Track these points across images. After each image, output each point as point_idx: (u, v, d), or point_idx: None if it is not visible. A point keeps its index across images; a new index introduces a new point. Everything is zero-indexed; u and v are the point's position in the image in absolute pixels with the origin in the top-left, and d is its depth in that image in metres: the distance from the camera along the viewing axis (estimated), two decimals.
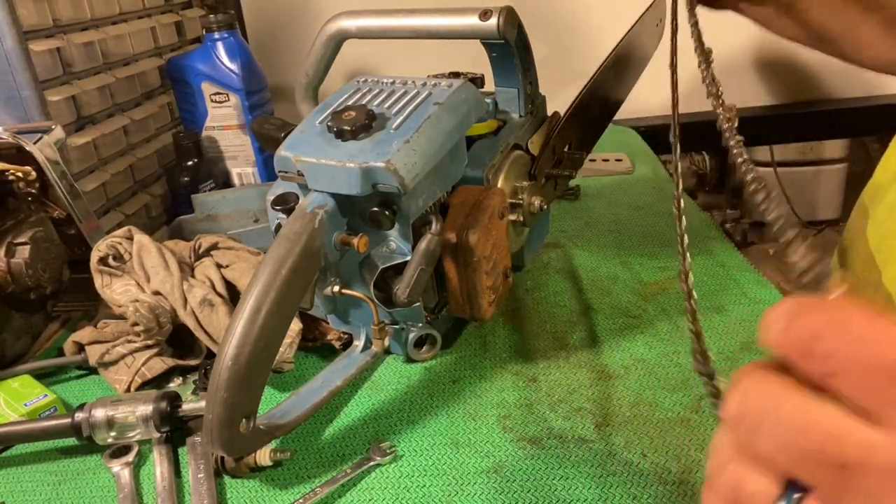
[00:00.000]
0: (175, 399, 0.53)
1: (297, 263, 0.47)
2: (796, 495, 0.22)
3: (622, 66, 0.75)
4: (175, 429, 0.53)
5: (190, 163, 0.89)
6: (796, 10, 0.63)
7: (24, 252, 0.63)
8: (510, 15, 0.59)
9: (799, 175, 2.49)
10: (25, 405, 0.56)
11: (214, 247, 0.68)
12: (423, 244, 0.53)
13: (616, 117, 0.79)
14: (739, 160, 0.30)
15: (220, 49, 0.91)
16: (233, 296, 0.62)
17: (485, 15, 0.59)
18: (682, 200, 0.31)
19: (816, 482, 0.21)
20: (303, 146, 0.53)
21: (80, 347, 0.62)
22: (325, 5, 1.15)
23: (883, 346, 0.20)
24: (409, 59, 1.15)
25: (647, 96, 1.05)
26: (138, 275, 0.63)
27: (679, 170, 0.33)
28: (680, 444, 0.49)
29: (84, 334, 0.62)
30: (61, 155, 0.67)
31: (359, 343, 0.60)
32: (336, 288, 0.55)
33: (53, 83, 0.74)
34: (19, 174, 0.64)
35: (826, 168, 2.49)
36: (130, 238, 0.65)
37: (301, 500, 0.47)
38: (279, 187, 0.56)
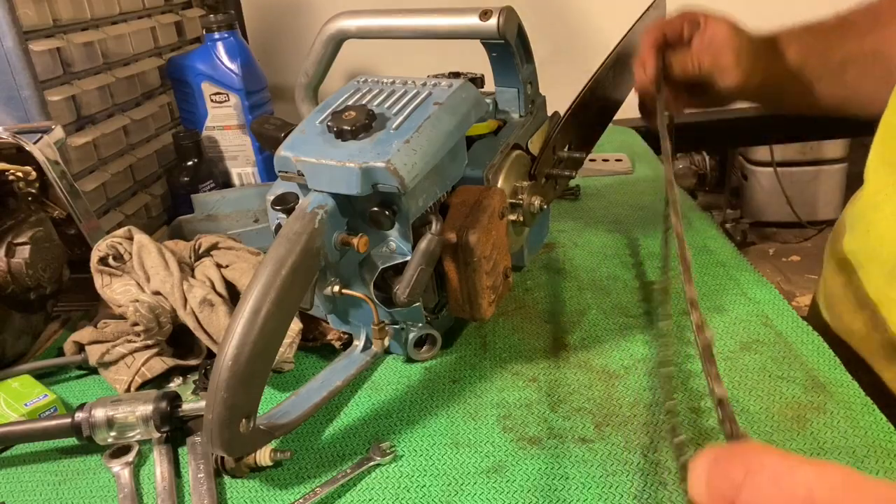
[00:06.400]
0: (175, 399, 0.53)
1: (297, 263, 0.47)
2: None
3: (622, 66, 0.75)
4: (175, 429, 0.53)
5: (190, 163, 0.89)
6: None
7: (24, 252, 0.63)
8: (510, 15, 0.59)
9: (799, 175, 2.50)
10: (25, 405, 0.56)
11: (214, 247, 0.68)
12: (423, 244, 0.53)
13: (616, 117, 0.79)
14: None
15: (220, 49, 0.91)
16: (233, 296, 0.62)
17: (485, 15, 0.59)
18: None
19: None
20: (303, 146, 0.53)
21: (80, 347, 0.62)
22: (325, 5, 1.15)
23: (795, 492, 0.24)
24: (409, 59, 1.15)
25: None
26: (138, 275, 0.63)
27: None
28: (680, 444, 0.49)
29: (84, 334, 0.62)
30: (61, 155, 0.67)
31: (359, 343, 0.60)
32: (336, 288, 0.55)
33: (53, 83, 0.74)
34: (19, 174, 0.64)
35: (826, 168, 2.49)
36: (130, 238, 0.65)
37: (301, 500, 0.47)
38: (279, 187, 0.56)
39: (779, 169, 2.46)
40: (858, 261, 0.62)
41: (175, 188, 0.91)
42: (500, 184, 0.62)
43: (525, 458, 0.49)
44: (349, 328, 0.61)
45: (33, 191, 0.66)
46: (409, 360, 0.61)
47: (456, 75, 0.67)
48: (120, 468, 0.51)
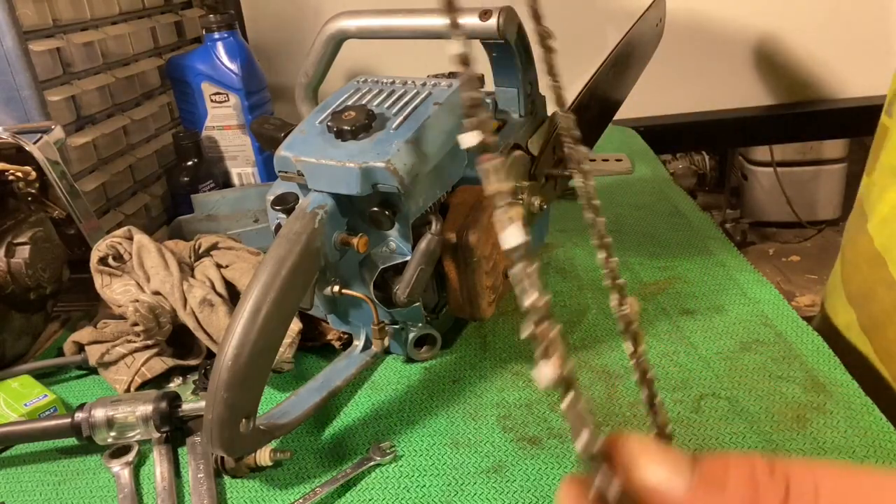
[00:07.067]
0: (175, 399, 0.53)
1: (297, 263, 0.47)
2: None
3: (622, 65, 0.75)
4: (175, 429, 0.53)
5: (190, 163, 0.89)
6: None
7: (24, 252, 0.63)
8: (510, 15, 0.59)
9: (799, 175, 2.49)
10: (25, 405, 0.56)
11: (214, 247, 0.68)
12: (423, 244, 0.53)
13: (616, 117, 0.79)
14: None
15: (220, 49, 0.91)
16: (233, 296, 0.62)
17: (485, 15, 0.59)
18: None
19: None
20: (303, 146, 0.53)
21: (80, 347, 0.62)
22: (325, 5, 1.16)
23: None
24: (409, 59, 1.14)
25: (647, 96, 1.05)
26: (138, 275, 0.63)
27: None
28: (679, 444, 0.49)
29: (84, 334, 0.62)
30: (61, 155, 0.67)
31: (359, 343, 0.60)
32: (336, 288, 0.54)
33: (53, 83, 0.74)
34: (19, 174, 0.64)
35: (826, 168, 2.49)
36: (130, 238, 0.65)
37: (301, 500, 0.47)
38: (279, 187, 0.56)
39: (779, 169, 2.46)
40: (889, 251, 0.61)
41: (175, 188, 0.91)
42: None
43: (525, 458, 0.49)
44: (349, 328, 0.61)
45: (33, 191, 0.66)
46: (409, 360, 0.61)
47: (456, 75, 0.67)
48: (120, 468, 0.51)
